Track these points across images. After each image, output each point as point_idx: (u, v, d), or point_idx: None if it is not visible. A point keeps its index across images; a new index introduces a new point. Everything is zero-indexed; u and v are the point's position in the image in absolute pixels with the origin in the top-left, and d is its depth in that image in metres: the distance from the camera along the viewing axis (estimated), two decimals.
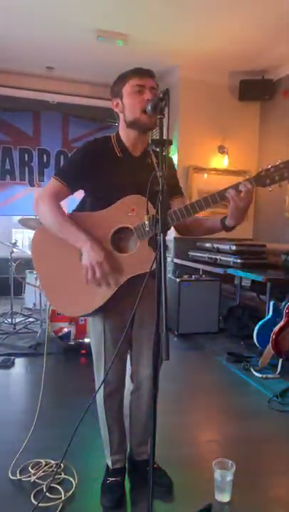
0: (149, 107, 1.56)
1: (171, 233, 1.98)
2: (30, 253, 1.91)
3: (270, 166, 1.55)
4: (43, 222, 1.75)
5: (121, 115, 1.76)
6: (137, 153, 1.79)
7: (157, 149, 1.47)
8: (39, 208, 1.72)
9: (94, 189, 1.77)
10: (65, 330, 3.87)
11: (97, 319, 1.81)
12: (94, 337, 1.87)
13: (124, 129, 1.76)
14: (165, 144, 1.41)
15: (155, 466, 2.00)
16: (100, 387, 1.81)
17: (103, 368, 1.83)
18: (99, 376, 1.88)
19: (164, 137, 1.41)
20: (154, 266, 1.28)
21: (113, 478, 1.93)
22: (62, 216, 1.70)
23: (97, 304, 1.70)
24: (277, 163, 1.54)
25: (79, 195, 1.88)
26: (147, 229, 1.55)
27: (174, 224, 1.67)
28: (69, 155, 5.90)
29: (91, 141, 1.80)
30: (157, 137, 1.41)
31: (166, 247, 1.81)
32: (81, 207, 1.85)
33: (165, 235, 1.31)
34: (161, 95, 1.43)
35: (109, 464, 1.97)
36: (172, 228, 1.75)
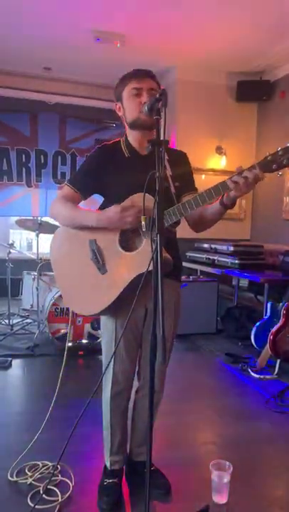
0: (145, 108, 1.56)
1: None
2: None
3: (279, 149, 1.45)
4: (60, 222, 1.83)
5: (123, 118, 1.81)
6: (145, 152, 1.77)
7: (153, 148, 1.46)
8: (53, 210, 1.80)
9: (107, 191, 1.81)
10: (63, 331, 3.86)
11: (109, 318, 1.83)
12: (105, 336, 1.88)
13: (129, 130, 1.81)
14: (162, 144, 1.41)
15: (153, 467, 1.99)
16: (100, 381, 1.80)
17: (112, 367, 1.83)
18: (107, 374, 1.87)
19: (161, 138, 1.41)
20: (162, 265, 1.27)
21: (110, 480, 1.92)
22: (72, 206, 1.77)
23: (108, 301, 1.70)
24: (288, 144, 1.44)
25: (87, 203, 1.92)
26: (144, 229, 1.54)
27: (178, 219, 1.64)
28: (74, 160, 5.93)
29: (100, 146, 1.85)
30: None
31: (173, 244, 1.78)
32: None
33: (162, 234, 1.30)
34: (157, 96, 1.43)
35: (108, 464, 1.96)
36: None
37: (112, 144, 1.86)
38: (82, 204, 1.86)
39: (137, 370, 1.97)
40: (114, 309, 1.74)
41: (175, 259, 1.75)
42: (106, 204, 1.81)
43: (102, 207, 1.85)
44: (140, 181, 1.58)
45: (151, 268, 1.33)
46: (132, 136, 1.81)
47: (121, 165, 1.78)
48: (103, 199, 1.88)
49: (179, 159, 1.90)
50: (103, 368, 1.91)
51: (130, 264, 1.67)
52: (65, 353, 2.22)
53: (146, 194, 1.56)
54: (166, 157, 1.75)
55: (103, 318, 1.88)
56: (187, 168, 1.94)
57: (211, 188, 1.55)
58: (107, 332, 1.85)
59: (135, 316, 1.78)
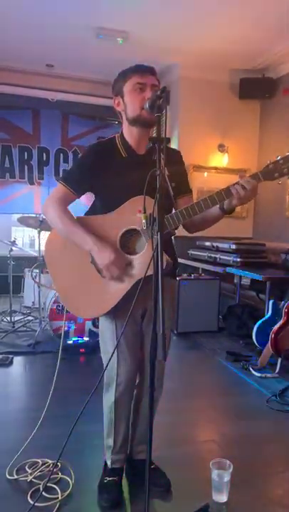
0: (147, 105, 1.54)
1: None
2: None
3: (279, 158, 1.53)
4: (52, 227, 1.80)
5: (123, 113, 1.76)
6: (142, 151, 1.78)
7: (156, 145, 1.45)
8: (48, 215, 1.76)
9: (102, 191, 1.78)
10: (64, 328, 3.86)
11: (108, 318, 1.81)
12: (105, 336, 1.86)
13: (127, 127, 1.76)
14: (163, 141, 1.40)
15: (153, 466, 1.99)
16: (98, 382, 1.79)
17: (116, 367, 1.81)
18: (110, 376, 1.85)
19: (162, 135, 1.40)
20: (164, 265, 1.27)
21: (111, 478, 1.92)
22: (69, 220, 1.71)
23: (110, 305, 1.71)
24: (287, 154, 1.52)
25: (85, 199, 1.91)
26: (144, 228, 1.54)
27: (180, 224, 1.66)
28: (76, 158, 5.89)
29: (95, 143, 1.81)
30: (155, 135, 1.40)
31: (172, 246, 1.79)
32: (92, 210, 1.86)
33: (163, 234, 1.30)
34: (158, 93, 1.42)
35: (108, 463, 1.96)
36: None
37: (106, 141, 1.80)
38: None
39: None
40: (113, 310, 1.73)
41: (172, 258, 1.77)
42: (99, 203, 1.79)
43: (94, 205, 1.84)
44: (139, 182, 1.59)
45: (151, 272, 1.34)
46: (131, 134, 1.76)
47: (119, 165, 1.73)
48: (95, 197, 1.84)
49: (174, 158, 1.84)
50: (105, 370, 1.90)
51: (135, 268, 1.68)
52: (59, 354, 2.22)
53: (147, 197, 1.57)
54: (162, 156, 1.75)
55: (102, 319, 1.87)
56: (182, 167, 1.90)
57: (214, 193, 1.58)
58: (107, 332, 1.84)
59: (134, 315, 1.78)
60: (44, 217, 1.80)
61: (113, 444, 1.93)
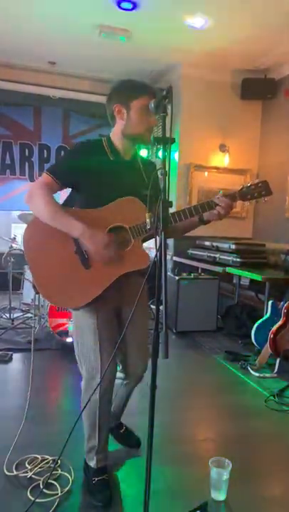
0: (152, 105, 1.56)
1: None
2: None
3: (250, 184, 1.76)
4: (36, 214, 1.77)
5: (120, 122, 1.80)
6: (128, 158, 1.87)
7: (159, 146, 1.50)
8: (33, 200, 1.76)
9: (86, 189, 1.81)
10: (63, 326, 3.86)
11: (88, 313, 1.80)
12: (85, 330, 1.83)
13: (120, 136, 1.82)
14: (168, 141, 1.42)
15: (123, 430, 2.26)
16: (101, 378, 1.81)
17: (99, 361, 1.80)
18: (93, 369, 1.83)
19: (167, 135, 1.43)
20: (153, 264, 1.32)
21: (99, 477, 1.91)
22: (56, 205, 1.75)
23: (94, 294, 1.73)
24: (256, 181, 1.77)
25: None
26: (148, 227, 1.55)
27: (173, 225, 1.75)
28: (63, 153, 5.87)
29: (84, 142, 1.87)
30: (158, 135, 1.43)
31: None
32: (70, 203, 1.91)
33: (167, 232, 1.36)
34: (164, 93, 1.43)
35: (93, 464, 1.94)
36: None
37: (94, 142, 1.86)
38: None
39: (121, 366, 2.02)
40: (94, 304, 1.76)
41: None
42: (81, 199, 1.83)
43: (73, 200, 1.89)
44: (125, 185, 1.75)
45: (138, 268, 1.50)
46: (120, 142, 1.83)
47: (106, 167, 1.80)
48: (74, 191, 1.87)
49: (151, 169, 1.90)
50: (87, 366, 1.85)
51: (119, 262, 1.73)
52: (32, 349, 2.23)
53: (133, 198, 1.73)
54: (141, 166, 1.89)
55: (80, 313, 1.84)
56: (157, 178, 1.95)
57: (198, 204, 1.75)
58: (87, 326, 1.81)
59: (112, 313, 1.87)
60: (27, 203, 1.78)
61: (97, 444, 1.91)
